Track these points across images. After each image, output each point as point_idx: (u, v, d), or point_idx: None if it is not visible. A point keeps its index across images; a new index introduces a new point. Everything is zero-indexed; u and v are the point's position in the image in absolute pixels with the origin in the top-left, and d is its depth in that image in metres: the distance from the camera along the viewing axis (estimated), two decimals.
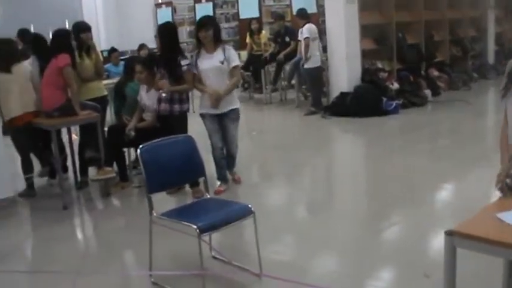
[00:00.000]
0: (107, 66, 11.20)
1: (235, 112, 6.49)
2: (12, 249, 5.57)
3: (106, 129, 7.35)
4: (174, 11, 16.87)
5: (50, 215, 6.47)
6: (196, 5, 16.01)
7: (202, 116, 6.52)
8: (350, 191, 6.73)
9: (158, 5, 17.48)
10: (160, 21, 15.83)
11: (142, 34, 14.31)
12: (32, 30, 12.80)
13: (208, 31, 6.26)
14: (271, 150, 8.91)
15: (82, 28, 7.28)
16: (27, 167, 7.12)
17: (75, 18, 14.88)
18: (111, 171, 6.96)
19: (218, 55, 6.27)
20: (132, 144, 6.87)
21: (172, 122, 6.46)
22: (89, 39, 7.23)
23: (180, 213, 4.35)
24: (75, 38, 7.11)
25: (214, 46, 6.30)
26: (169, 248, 5.01)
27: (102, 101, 7.38)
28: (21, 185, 7.17)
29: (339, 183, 7.30)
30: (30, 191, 7.13)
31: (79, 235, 6.14)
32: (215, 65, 6.25)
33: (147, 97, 6.83)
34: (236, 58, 6.48)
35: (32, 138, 7.06)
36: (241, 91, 13.68)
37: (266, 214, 5.38)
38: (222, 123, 6.48)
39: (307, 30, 11.03)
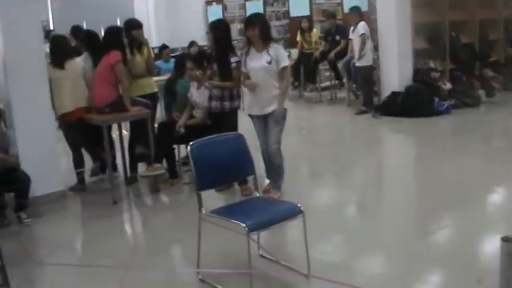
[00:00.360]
0: (158, 62, 11.29)
1: (276, 113, 6.16)
2: (62, 243, 5.65)
3: (156, 125, 7.39)
4: (224, 8, 16.90)
5: (99, 210, 6.54)
6: (247, 3, 16.03)
7: (250, 116, 6.39)
8: (400, 192, 6.61)
9: (209, 3, 17.53)
10: (210, 19, 15.90)
11: (192, 31, 14.40)
12: (85, 27, 13.01)
13: (254, 29, 6.09)
14: (321, 148, 8.84)
15: (133, 25, 7.34)
16: (78, 162, 7.23)
17: (126, 16, 15.00)
18: (161, 168, 7.02)
19: (266, 54, 6.07)
20: (182, 141, 6.90)
21: (222, 119, 6.46)
22: (140, 36, 7.29)
23: (229, 211, 4.33)
24: (127, 35, 7.16)
25: (263, 45, 6.10)
26: (218, 245, 5.02)
27: (152, 98, 7.44)
28: (73, 179, 7.28)
29: (389, 183, 7.19)
30: (81, 185, 7.24)
31: (128, 230, 6.22)
32: (262, 64, 6.05)
33: (198, 94, 6.86)
34: (285, 58, 6.19)
35: (84, 133, 7.16)
36: (292, 89, 13.63)
37: (315, 213, 5.33)
38: (265, 125, 6.30)
39: (362, 27, 10.92)
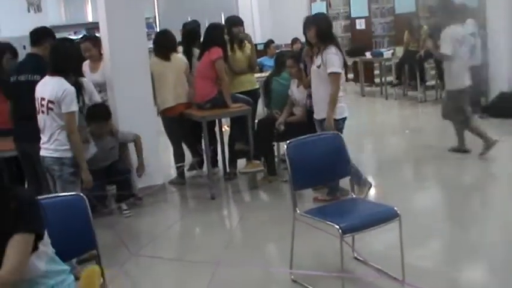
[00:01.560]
0: (262, 59, 11.32)
1: (325, 123, 5.85)
2: (158, 235, 5.78)
3: (256, 122, 7.42)
4: (328, 5, 16.75)
5: (197, 204, 6.65)
6: (352, 0, 15.82)
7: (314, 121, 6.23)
8: (507, 198, 6.29)
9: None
10: None
11: (296, 28, 14.27)
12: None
13: (310, 30, 5.97)
14: (424, 150, 8.56)
15: (234, 22, 7.39)
16: (178, 157, 7.37)
17: (230, 12, 15.23)
18: (260, 165, 7.01)
19: (319, 58, 5.91)
20: (281, 138, 6.88)
21: (324, 118, 6.35)
22: (240, 33, 7.31)
23: (324, 212, 4.27)
24: (228, 31, 7.22)
25: (320, 47, 5.93)
26: (311, 246, 4.96)
27: (253, 94, 7.45)
28: (173, 173, 7.43)
29: (495, 188, 6.86)
30: (180, 179, 7.38)
31: (224, 226, 6.27)
32: (313, 68, 6.01)
33: (298, 91, 6.82)
34: (334, 63, 5.81)
35: (184, 128, 7.28)
36: (391, 86, 13.36)
37: (413, 217, 5.15)
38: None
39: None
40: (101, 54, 6.95)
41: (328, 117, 5.79)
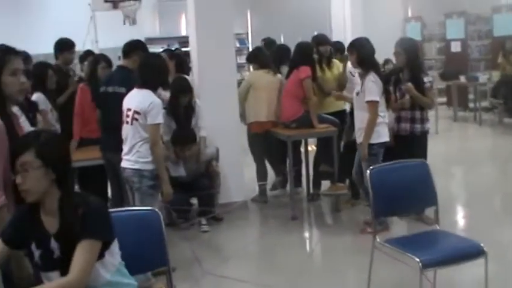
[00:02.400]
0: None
1: (360, 148, 5.91)
2: (234, 254, 5.77)
3: (343, 144, 7.28)
4: (423, 26, 16.39)
5: (278, 223, 6.58)
6: (447, 20, 15.40)
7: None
8: None
9: (407, 19, 17.13)
10: (409, 36, 15.48)
11: (389, 48, 14.04)
12: (282, 39, 13.26)
13: (352, 55, 5.97)
14: None
15: (321, 41, 7.26)
16: (261, 174, 7.32)
17: (324, 30, 15.13)
18: (344, 188, 6.91)
19: (359, 85, 5.89)
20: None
21: (412, 143, 6.12)
22: (327, 52, 7.19)
23: (405, 243, 4.07)
24: (316, 50, 7.12)
25: (361, 73, 5.91)
26: (390, 277, 4.78)
27: (341, 115, 7.30)
28: (255, 191, 7.41)
29: None
30: (262, 197, 7.34)
31: (301, 248, 6.13)
32: (354, 94, 6.02)
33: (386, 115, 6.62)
34: (370, 92, 5.72)
35: (269, 146, 7.24)
36: (486, 112, 12.85)
37: (501, 254, 4.88)
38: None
39: None
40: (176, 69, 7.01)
41: (363, 145, 5.80)
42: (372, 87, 5.76)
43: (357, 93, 5.91)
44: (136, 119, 4.78)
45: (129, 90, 5.07)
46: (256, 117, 7.13)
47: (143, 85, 4.88)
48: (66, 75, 6.91)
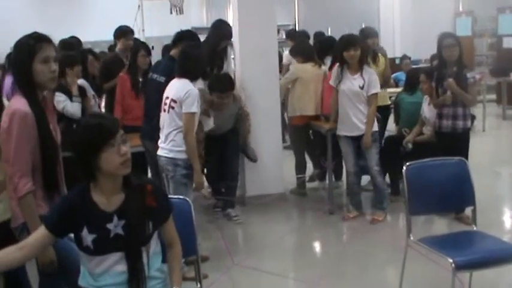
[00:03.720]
0: (397, 74, 10.98)
1: (365, 139, 6.10)
2: (266, 246, 5.75)
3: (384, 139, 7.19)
4: (474, 20, 16.04)
5: (313, 218, 6.55)
6: (500, 15, 15.03)
7: (338, 137, 6.32)
8: None
9: (458, 14, 16.79)
10: (459, 31, 15.17)
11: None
12: (329, 32, 13.15)
13: (356, 51, 6.01)
14: None
15: (369, 34, 7.17)
16: (300, 167, 7.29)
17: (371, 23, 14.97)
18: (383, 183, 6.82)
19: (359, 78, 6.05)
20: (408, 158, 6.58)
21: (454, 140, 6.01)
22: (374, 45, 7.09)
23: (440, 242, 3.99)
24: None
25: (358, 68, 6.07)
26: (422, 277, 4.71)
27: (384, 110, 7.20)
28: (294, 183, 7.37)
29: None
30: (300, 190, 7.31)
31: (335, 243, 6.04)
32: (353, 89, 6.07)
33: (428, 110, 6.52)
34: (377, 85, 6.12)
35: (308, 138, 7.19)
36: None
37: None
38: (354, 147, 6.27)
39: None
40: None
41: (368, 132, 6.07)
42: (377, 80, 6.15)
43: (361, 87, 6.04)
44: (173, 108, 4.82)
45: (168, 79, 5.11)
46: (302, 110, 7.09)
47: (182, 75, 4.91)
48: (121, 63, 6.97)
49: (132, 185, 2.70)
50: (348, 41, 6.16)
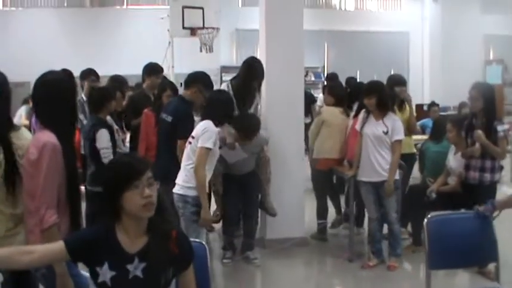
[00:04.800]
0: (425, 121, 10.89)
1: (387, 186, 6.03)
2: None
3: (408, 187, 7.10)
4: (505, 68, 15.96)
5: (333, 265, 6.48)
6: None
7: (358, 183, 6.26)
8: None
9: (488, 62, 16.74)
10: (489, 79, 15.07)
11: (467, 91, 13.76)
12: (358, 76, 13.15)
13: (370, 99, 6.03)
14: None
15: (396, 81, 7.11)
16: (322, 212, 7.21)
17: (401, 68, 14.97)
18: (405, 232, 6.81)
19: (382, 124, 6.04)
20: (431, 207, 6.48)
21: (479, 192, 5.84)
22: (402, 93, 7.03)
23: None
24: (389, 91, 6.98)
25: (380, 114, 6.07)
26: None
27: (409, 158, 7.10)
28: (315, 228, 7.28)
29: None
30: (321, 235, 7.22)
31: None
32: (376, 133, 6.05)
33: (454, 159, 6.41)
34: (401, 131, 6.11)
35: (332, 184, 7.13)
36: None
37: None
38: (376, 193, 6.17)
39: None
40: None
41: (391, 179, 6.02)
42: (401, 127, 6.13)
43: (386, 133, 6.03)
44: (190, 143, 4.90)
45: (176, 120, 5.27)
46: (326, 153, 7.04)
47: (207, 118, 5.00)
48: (148, 99, 7.02)
49: (156, 229, 2.70)
50: (365, 89, 6.24)
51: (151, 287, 2.66)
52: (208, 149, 4.82)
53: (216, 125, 4.97)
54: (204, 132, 4.81)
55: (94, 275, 2.65)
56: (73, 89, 3.55)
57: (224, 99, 5.19)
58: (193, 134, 4.95)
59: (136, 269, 2.64)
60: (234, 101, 5.57)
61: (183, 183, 4.86)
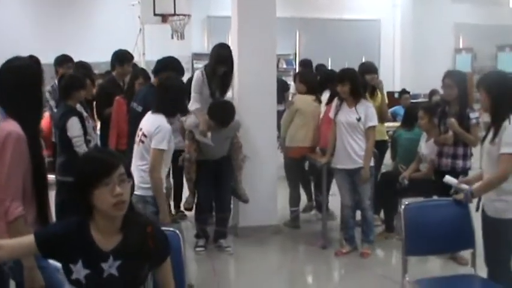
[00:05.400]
0: (395, 108, 10.93)
1: (362, 172, 6.05)
2: (260, 277, 5.67)
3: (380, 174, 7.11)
4: (474, 57, 16.11)
5: (306, 252, 6.48)
6: (499, 53, 15.09)
7: (333, 170, 6.28)
8: None
9: (458, 51, 16.87)
10: (459, 68, 15.21)
11: (437, 79, 13.81)
12: (329, 63, 13.14)
13: (344, 87, 6.04)
14: None
15: (367, 69, 7.07)
16: (295, 200, 7.19)
17: (372, 56, 14.98)
18: (377, 219, 6.84)
19: (356, 111, 6.04)
20: (403, 194, 6.51)
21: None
22: (373, 80, 7.00)
23: (436, 285, 3.91)
24: (360, 78, 6.96)
25: (354, 101, 6.08)
26: None
27: (381, 146, 7.11)
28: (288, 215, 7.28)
29: None
30: (294, 222, 7.21)
31: (326, 280, 5.98)
32: (350, 120, 6.05)
33: (426, 146, 6.44)
34: (374, 118, 6.13)
35: (304, 172, 7.11)
36: None
37: None
38: (351, 181, 6.18)
39: None
40: None
41: (366, 165, 6.06)
42: (374, 113, 6.15)
43: (358, 119, 6.03)
44: (143, 142, 4.70)
45: (145, 109, 5.05)
46: (299, 142, 7.02)
47: (158, 110, 4.78)
48: (119, 87, 6.90)
49: (131, 225, 2.63)
50: (338, 76, 6.25)
51: (127, 284, 2.61)
52: (163, 150, 4.66)
53: (170, 116, 4.78)
54: (158, 133, 4.61)
55: (67, 271, 2.58)
56: (40, 76, 3.42)
57: (177, 88, 4.96)
58: (144, 131, 4.71)
59: (111, 267, 2.57)
60: (185, 89, 5.38)
61: (141, 184, 4.59)
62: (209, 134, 5.95)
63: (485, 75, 4.59)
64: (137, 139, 4.78)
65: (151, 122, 4.72)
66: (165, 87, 4.95)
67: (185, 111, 5.45)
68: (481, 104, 4.38)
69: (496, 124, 4.09)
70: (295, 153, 7.09)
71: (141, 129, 4.77)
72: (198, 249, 6.24)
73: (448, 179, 4.49)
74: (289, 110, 7.20)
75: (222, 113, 5.93)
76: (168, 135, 4.65)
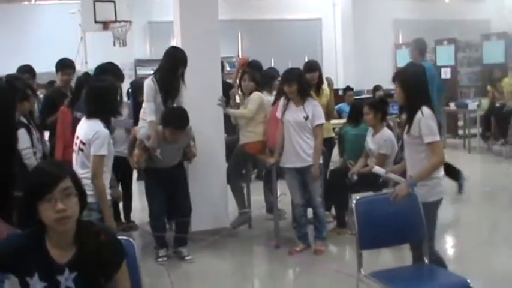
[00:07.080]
0: (341, 105, 11.07)
1: (312, 170, 6.10)
2: (215, 282, 5.67)
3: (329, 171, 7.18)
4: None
5: (259, 252, 6.53)
6: (438, 47, 15.41)
7: (283, 170, 6.34)
8: None
9: (398, 46, 17.20)
10: (399, 62, 15.51)
11: (380, 75, 14.10)
12: (272, 63, 13.21)
13: (291, 87, 6.08)
14: (504, 210, 8.06)
15: (309, 68, 7.07)
16: (241, 200, 7.10)
17: (314, 54, 15.16)
18: (328, 215, 6.89)
19: (302, 110, 6.10)
20: (353, 189, 6.59)
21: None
22: (313, 79, 7.03)
23: (392, 276, 3.97)
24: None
25: (301, 100, 6.14)
26: None
27: (328, 143, 7.17)
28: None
29: None
30: (241, 219, 7.08)
31: (282, 279, 6.00)
32: (297, 119, 6.10)
33: (372, 141, 6.55)
34: (321, 116, 6.18)
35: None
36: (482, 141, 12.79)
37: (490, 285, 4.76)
38: (301, 179, 6.22)
39: None
40: None
41: (316, 163, 6.11)
42: (320, 112, 6.19)
43: (306, 118, 6.07)
44: (82, 150, 4.63)
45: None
46: (258, 136, 6.93)
47: (91, 115, 4.71)
48: (64, 96, 6.77)
49: (84, 236, 2.60)
50: (285, 77, 6.25)
51: None
52: (103, 156, 4.60)
53: (105, 121, 4.69)
54: (96, 139, 4.54)
55: (24, 284, 2.53)
56: (12, 100, 3.33)
57: (104, 91, 4.82)
58: (82, 138, 4.63)
59: (67, 279, 2.55)
60: (116, 88, 5.28)
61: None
62: (158, 151, 5.93)
63: (401, 70, 4.95)
64: (75, 148, 4.70)
65: (87, 129, 4.64)
66: (91, 89, 4.88)
67: (116, 113, 5.27)
68: (395, 96, 4.66)
69: (409, 116, 4.38)
70: (252, 148, 6.96)
71: (77, 137, 4.69)
72: (160, 259, 6.14)
73: (377, 169, 4.90)
74: (256, 106, 6.93)
75: (177, 119, 5.88)
76: (106, 140, 4.58)
